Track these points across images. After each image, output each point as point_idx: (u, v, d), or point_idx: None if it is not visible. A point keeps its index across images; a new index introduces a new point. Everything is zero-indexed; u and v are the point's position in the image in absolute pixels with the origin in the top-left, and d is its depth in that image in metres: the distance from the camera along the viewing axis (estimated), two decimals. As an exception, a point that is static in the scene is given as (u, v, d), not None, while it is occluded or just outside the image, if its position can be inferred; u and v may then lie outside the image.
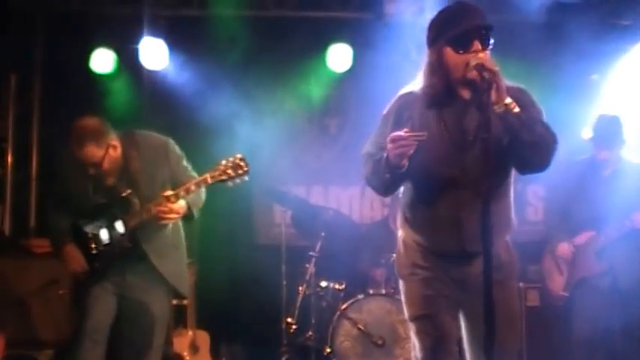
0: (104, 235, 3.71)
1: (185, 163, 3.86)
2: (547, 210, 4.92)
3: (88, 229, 3.72)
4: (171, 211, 3.58)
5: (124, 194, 3.67)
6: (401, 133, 2.63)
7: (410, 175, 2.79)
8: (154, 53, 5.88)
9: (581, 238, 4.54)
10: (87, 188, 3.71)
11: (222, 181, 3.60)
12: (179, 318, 5.02)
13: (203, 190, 3.82)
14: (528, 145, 2.64)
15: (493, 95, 2.56)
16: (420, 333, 2.89)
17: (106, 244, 3.70)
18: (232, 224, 6.24)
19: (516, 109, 2.61)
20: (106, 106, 5.73)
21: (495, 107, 2.56)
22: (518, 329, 2.92)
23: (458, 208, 2.77)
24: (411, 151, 2.63)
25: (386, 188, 2.93)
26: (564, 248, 4.59)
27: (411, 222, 2.92)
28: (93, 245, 3.71)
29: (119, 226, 3.68)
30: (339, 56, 6.14)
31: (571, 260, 4.60)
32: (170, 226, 3.80)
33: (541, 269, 4.88)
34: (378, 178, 2.84)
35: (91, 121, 3.61)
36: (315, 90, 6.49)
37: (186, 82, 5.95)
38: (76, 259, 3.73)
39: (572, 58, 5.69)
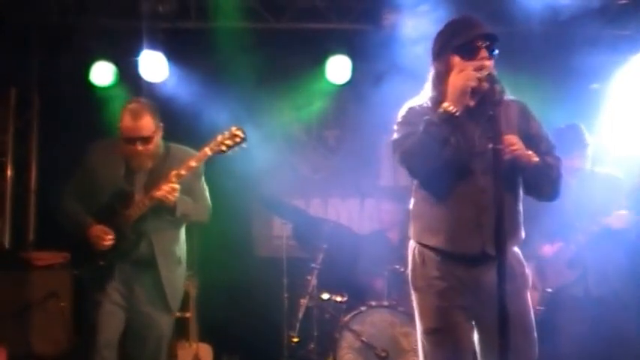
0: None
1: (203, 181, 3.90)
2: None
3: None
4: (173, 190, 3.59)
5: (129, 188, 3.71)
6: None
7: (429, 180, 2.83)
8: (153, 66, 5.90)
9: (550, 249, 4.55)
10: (118, 176, 3.73)
11: (222, 152, 3.66)
12: (182, 331, 5.00)
13: (204, 209, 3.88)
14: (544, 188, 2.90)
15: (520, 158, 2.77)
16: (435, 346, 2.88)
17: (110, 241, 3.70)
18: (232, 237, 6.22)
19: (535, 159, 2.78)
20: (106, 119, 5.70)
21: (520, 158, 2.76)
22: (534, 339, 2.90)
23: (478, 210, 2.78)
24: (475, 84, 2.68)
25: (433, 156, 2.73)
26: (548, 248, 4.57)
27: (429, 226, 2.90)
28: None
29: (119, 222, 3.68)
30: (337, 68, 6.16)
31: (542, 274, 4.60)
32: (179, 240, 3.84)
33: None
34: (429, 140, 2.71)
35: (143, 100, 3.82)
36: (315, 102, 6.50)
37: (185, 94, 5.95)
38: (102, 236, 3.68)
39: (572, 69, 5.72)
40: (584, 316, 4.37)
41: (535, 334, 2.90)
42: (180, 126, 5.82)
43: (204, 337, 5.22)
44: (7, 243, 6.03)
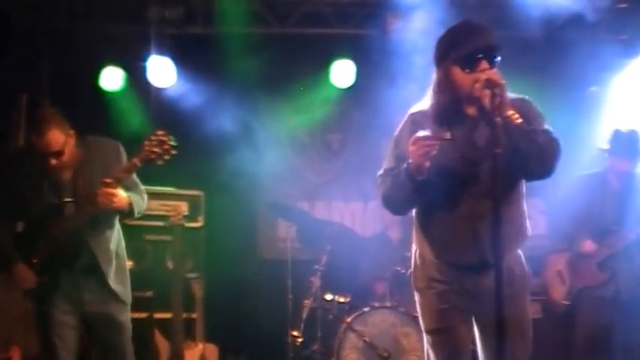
0: (44, 245, 3.66)
1: (134, 175, 3.83)
2: (552, 222, 4.99)
3: (28, 242, 3.68)
4: (112, 194, 3.53)
5: (62, 200, 3.63)
6: (423, 133, 2.66)
7: (425, 192, 2.79)
8: (161, 71, 5.97)
9: (590, 246, 4.61)
10: (42, 188, 3.65)
11: (152, 160, 3.56)
12: (188, 331, 5.07)
13: (144, 196, 3.86)
14: (531, 156, 2.68)
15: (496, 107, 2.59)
16: (435, 346, 2.94)
17: (49, 256, 3.66)
18: (237, 239, 6.29)
19: (518, 121, 2.64)
20: (115, 123, 5.80)
21: (497, 119, 2.56)
22: (530, 342, 2.94)
23: (476, 220, 2.79)
24: (434, 152, 2.65)
25: (405, 203, 2.91)
26: (590, 245, 4.61)
27: (428, 236, 2.93)
28: (35, 259, 3.67)
29: (57, 234, 3.64)
30: (342, 72, 6.21)
31: (573, 269, 4.67)
32: (114, 236, 3.80)
33: (543, 280, 4.93)
34: (397, 192, 2.83)
35: (50, 109, 3.65)
36: (320, 106, 6.56)
37: (192, 99, 6.02)
38: (26, 277, 3.65)
39: (571, 72, 5.76)
40: (610, 317, 4.46)
41: (530, 334, 2.94)
42: (187, 130, 5.93)
43: (210, 338, 5.27)
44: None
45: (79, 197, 3.63)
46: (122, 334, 3.82)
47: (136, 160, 3.57)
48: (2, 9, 5.73)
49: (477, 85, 2.64)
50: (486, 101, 2.59)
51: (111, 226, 3.80)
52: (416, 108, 2.97)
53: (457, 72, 2.76)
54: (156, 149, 3.55)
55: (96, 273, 3.70)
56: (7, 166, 3.80)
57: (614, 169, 4.58)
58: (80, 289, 3.71)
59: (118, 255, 3.82)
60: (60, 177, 3.65)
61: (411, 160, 2.71)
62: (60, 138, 3.54)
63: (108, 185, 3.53)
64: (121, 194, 3.60)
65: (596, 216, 4.51)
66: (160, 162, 3.58)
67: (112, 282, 3.74)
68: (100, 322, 3.77)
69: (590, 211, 4.52)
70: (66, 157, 3.60)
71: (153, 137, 3.57)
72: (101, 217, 3.68)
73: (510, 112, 2.63)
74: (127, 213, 3.70)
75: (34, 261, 3.67)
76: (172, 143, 3.58)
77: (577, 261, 4.67)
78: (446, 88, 2.80)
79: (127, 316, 3.85)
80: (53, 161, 3.56)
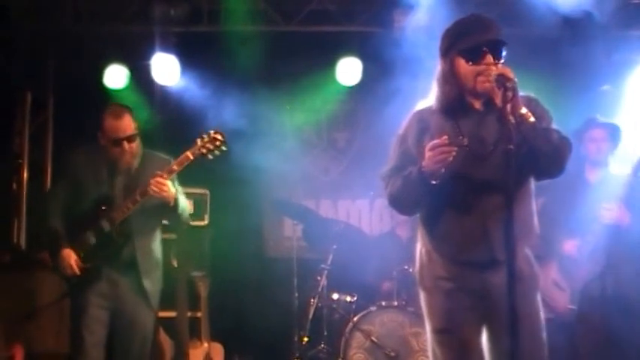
0: (90, 235, 3.79)
1: (177, 183, 3.99)
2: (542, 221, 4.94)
3: (75, 231, 3.81)
4: (163, 183, 3.68)
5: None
6: (440, 140, 2.63)
7: (434, 190, 2.75)
8: (166, 69, 5.97)
9: (571, 245, 4.56)
10: (100, 181, 3.82)
11: (203, 154, 3.77)
12: (193, 330, 5.06)
13: (187, 202, 4.01)
14: (546, 155, 2.68)
15: (509, 106, 2.57)
16: (442, 346, 2.88)
17: (94, 244, 3.77)
18: (243, 238, 6.29)
19: (531, 119, 2.64)
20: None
21: (510, 117, 2.56)
22: (543, 341, 2.86)
23: (484, 217, 2.76)
24: (451, 158, 2.62)
25: (415, 205, 2.89)
26: (570, 244, 4.55)
27: (435, 234, 2.89)
28: (80, 247, 3.78)
29: (104, 224, 3.77)
30: (348, 70, 6.20)
31: (569, 273, 4.61)
32: (156, 240, 3.94)
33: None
34: (408, 194, 2.80)
35: (120, 103, 3.99)
36: (326, 104, 6.54)
37: (197, 97, 6.01)
38: (71, 263, 3.74)
39: (583, 70, 5.71)
40: (600, 316, 4.38)
41: (544, 335, 2.86)
42: (191, 128, 5.91)
43: (215, 337, 5.27)
44: (23, 244, 6.12)
45: (129, 192, 3.79)
46: (144, 341, 3.88)
47: (188, 154, 3.77)
48: (7, 8, 5.73)
49: (481, 79, 2.66)
50: (498, 98, 2.58)
51: (154, 227, 3.95)
52: (421, 105, 2.95)
53: (461, 64, 2.77)
54: (208, 145, 3.76)
55: (133, 271, 3.81)
56: (75, 159, 3.96)
57: (591, 146, 4.53)
58: (117, 285, 3.80)
59: (158, 264, 3.95)
60: (128, 164, 3.83)
61: (424, 164, 2.68)
62: (132, 125, 3.81)
63: (160, 176, 3.70)
64: (171, 187, 3.75)
65: (576, 213, 4.46)
66: (210, 156, 3.79)
67: (146, 283, 3.83)
68: (128, 324, 3.82)
69: (567, 210, 4.48)
70: (136, 146, 3.83)
71: (205, 135, 3.78)
72: (148, 212, 3.82)
73: (524, 111, 2.63)
74: (172, 207, 3.81)
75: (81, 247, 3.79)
76: (223, 140, 3.80)
77: (569, 264, 4.60)
78: (450, 79, 2.80)
79: (152, 327, 3.94)
80: (126, 146, 3.76)
